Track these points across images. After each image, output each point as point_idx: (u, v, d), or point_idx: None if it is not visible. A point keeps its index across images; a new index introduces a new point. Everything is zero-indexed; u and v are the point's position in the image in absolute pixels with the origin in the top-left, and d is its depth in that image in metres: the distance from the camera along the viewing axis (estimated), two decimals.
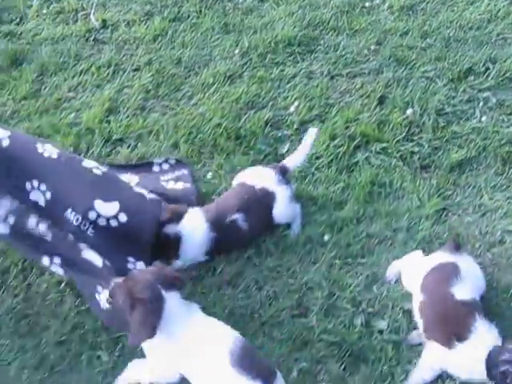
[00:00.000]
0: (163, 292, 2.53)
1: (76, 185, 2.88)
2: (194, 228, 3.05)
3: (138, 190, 3.06)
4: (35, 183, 2.83)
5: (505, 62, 4.08)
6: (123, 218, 2.90)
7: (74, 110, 3.86)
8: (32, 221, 2.81)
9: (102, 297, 2.74)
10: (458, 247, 2.91)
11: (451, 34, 4.28)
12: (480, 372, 2.61)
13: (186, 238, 3.03)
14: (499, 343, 2.63)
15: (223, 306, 2.95)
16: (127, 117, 3.82)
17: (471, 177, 3.49)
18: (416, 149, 3.60)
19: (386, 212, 3.30)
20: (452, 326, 2.69)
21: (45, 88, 4.02)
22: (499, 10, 4.45)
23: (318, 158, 3.52)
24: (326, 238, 3.19)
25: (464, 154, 3.57)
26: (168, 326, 2.51)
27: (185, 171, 3.44)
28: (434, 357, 2.73)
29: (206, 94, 3.93)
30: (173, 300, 2.55)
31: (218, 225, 3.06)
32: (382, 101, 3.86)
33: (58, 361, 2.81)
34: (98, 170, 2.99)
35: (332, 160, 3.53)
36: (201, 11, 4.51)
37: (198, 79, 4.04)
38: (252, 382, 2.41)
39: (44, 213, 2.83)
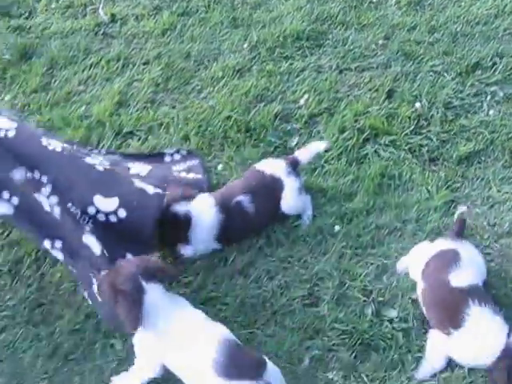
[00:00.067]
0: (143, 283, 2.52)
1: (77, 179, 2.88)
2: (204, 210, 3.07)
3: (139, 185, 3.02)
4: (37, 174, 2.83)
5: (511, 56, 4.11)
6: (122, 213, 2.89)
7: (85, 103, 3.87)
8: (38, 197, 2.82)
9: (95, 287, 2.75)
10: (461, 231, 2.93)
11: (458, 29, 4.30)
12: (484, 359, 2.63)
13: (196, 219, 3.04)
14: (505, 331, 2.64)
15: (235, 295, 2.98)
16: (137, 110, 3.83)
17: (479, 169, 3.52)
18: (424, 142, 3.62)
19: (395, 204, 3.33)
20: (446, 313, 2.71)
21: (55, 81, 4.03)
22: (506, 5, 4.46)
23: (327, 150, 3.53)
24: (337, 228, 3.22)
25: (472, 146, 3.60)
26: (150, 318, 2.51)
27: (196, 162, 3.47)
28: (436, 345, 2.75)
29: (216, 88, 3.95)
30: (154, 292, 2.54)
31: (225, 207, 3.09)
32: (390, 94, 3.87)
33: (72, 349, 2.84)
34: (101, 166, 2.99)
35: (341, 152, 3.56)
36: (209, 6, 4.51)
37: (208, 73, 4.05)
38: (237, 381, 2.41)
39: None
